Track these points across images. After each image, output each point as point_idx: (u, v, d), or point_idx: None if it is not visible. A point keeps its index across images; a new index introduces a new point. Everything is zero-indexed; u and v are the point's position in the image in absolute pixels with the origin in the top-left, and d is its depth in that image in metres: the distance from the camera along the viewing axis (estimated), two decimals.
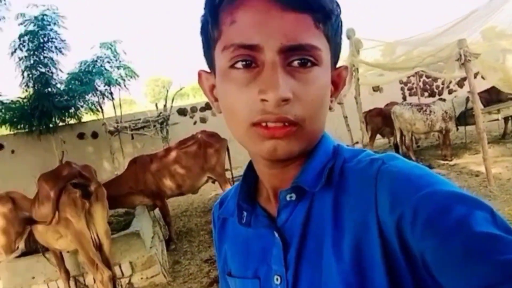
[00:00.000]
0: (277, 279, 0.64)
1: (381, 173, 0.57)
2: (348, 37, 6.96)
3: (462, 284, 0.44)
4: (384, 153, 0.62)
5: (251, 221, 0.71)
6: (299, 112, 0.57)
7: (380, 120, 8.75)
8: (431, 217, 0.48)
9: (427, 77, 12.56)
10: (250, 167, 0.73)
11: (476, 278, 0.43)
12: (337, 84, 0.68)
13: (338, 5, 0.61)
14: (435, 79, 12.93)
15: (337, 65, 0.68)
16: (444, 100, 8.38)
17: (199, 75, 0.71)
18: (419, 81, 12.00)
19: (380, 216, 0.54)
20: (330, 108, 0.66)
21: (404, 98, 12.88)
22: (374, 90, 11.60)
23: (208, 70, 0.68)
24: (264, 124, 0.57)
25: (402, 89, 13.32)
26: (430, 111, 7.56)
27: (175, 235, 6.32)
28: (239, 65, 0.58)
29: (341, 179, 0.62)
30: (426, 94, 13.20)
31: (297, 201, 0.65)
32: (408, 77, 11.55)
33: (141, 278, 4.64)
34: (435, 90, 13.51)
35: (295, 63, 0.57)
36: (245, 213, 0.71)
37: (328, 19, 0.59)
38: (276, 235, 0.65)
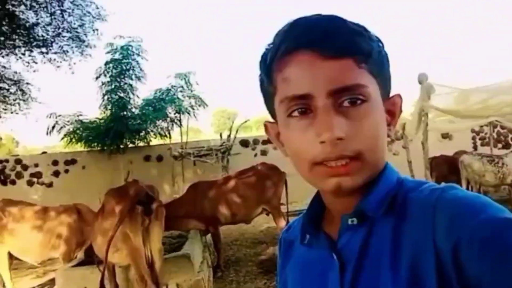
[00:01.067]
0: None
1: (439, 200, 0.59)
2: (420, 82, 6.78)
3: None
4: (445, 184, 0.64)
5: (313, 242, 0.75)
6: (356, 146, 0.62)
7: (446, 168, 8.35)
8: (487, 242, 0.51)
9: (502, 127, 11.87)
10: (317, 195, 0.78)
11: None
12: (393, 113, 0.73)
13: (379, 41, 0.68)
14: (511, 131, 12.19)
15: (391, 95, 0.73)
16: None
17: (265, 126, 0.80)
18: (493, 131, 11.37)
19: (436, 240, 0.56)
20: (389, 136, 0.71)
21: (475, 148, 12.23)
22: (443, 137, 11.16)
23: (272, 120, 0.76)
24: (326, 163, 0.63)
25: (473, 138, 12.68)
26: (502, 164, 7.11)
27: (223, 263, 6.34)
28: (296, 113, 0.65)
29: (403, 208, 0.64)
30: (499, 145, 12.44)
31: (358, 226, 0.67)
32: (481, 126, 10.99)
33: None
34: (510, 142, 12.73)
35: (346, 103, 0.63)
36: (308, 236, 0.75)
37: (369, 58, 0.64)
38: (335, 257, 0.68)
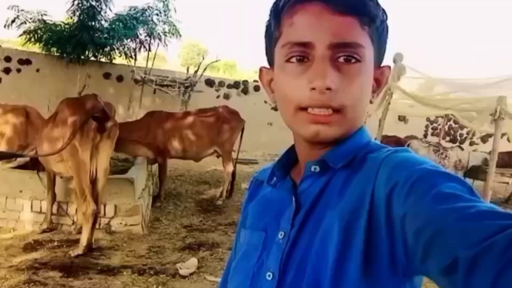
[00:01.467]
0: (281, 234, 0.72)
1: (387, 158, 0.64)
2: (394, 61, 6.87)
3: (417, 224, 0.50)
4: (401, 147, 0.69)
5: (278, 184, 0.80)
6: (341, 100, 0.67)
7: None
8: (414, 185, 0.54)
9: (455, 122, 12.42)
10: (292, 147, 0.82)
11: (428, 218, 0.50)
12: (379, 81, 0.77)
13: (384, 12, 0.71)
14: (462, 127, 12.79)
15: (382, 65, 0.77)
16: (462, 149, 8.31)
17: (260, 70, 0.82)
18: (446, 123, 11.89)
19: (375, 188, 0.61)
20: (371, 102, 0.75)
21: (425, 136, 12.78)
22: (399, 119, 11.51)
23: (268, 67, 0.79)
24: (310, 110, 0.67)
25: (426, 126, 13.24)
26: (446, 156, 7.50)
27: (164, 195, 6.40)
28: (294, 60, 0.68)
29: (360, 164, 0.68)
30: (447, 138, 13.07)
31: (320, 175, 0.72)
32: (437, 117, 11.43)
33: (120, 223, 4.74)
34: (458, 137, 13.39)
35: (341, 59, 0.67)
36: (275, 178, 0.81)
37: (372, 23, 0.68)
38: (293, 199, 0.73)
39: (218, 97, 12.25)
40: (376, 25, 0.69)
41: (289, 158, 0.82)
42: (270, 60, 0.77)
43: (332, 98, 0.66)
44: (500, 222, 0.44)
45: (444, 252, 0.45)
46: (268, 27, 0.75)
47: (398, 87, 6.71)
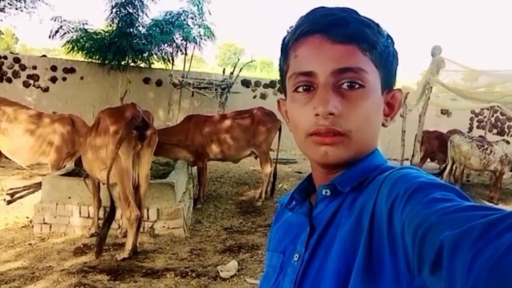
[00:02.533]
0: (296, 257, 0.76)
1: (389, 175, 0.66)
2: (432, 54, 6.68)
3: (412, 229, 0.51)
4: (406, 165, 0.72)
5: (296, 208, 0.83)
6: (345, 124, 0.70)
7: (437, 144, 8.45)
8: (411, 197, 0.56)
9: (502, 114, 11.89)
10: (311, 174, 0.86)
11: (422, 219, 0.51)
12: (392, 105, 0.79)
13: (389, 38, 0.75)
14: (510, 119, 12.22)
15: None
16: (508, 142, 7.94)
17: (278, 102, 0.88)
18: (492, 116, 11.40)
19: (376, 205, 0.63)
20: (384, 125, 0.78)
21: (471, 129, 12.31)
22: (442, 113, 11.17)
23: (284, 98, 0.83)
24: (318, 134, 0.71)
25: (471, 119, 12.72)
26: (491, 151, 7.22)
27: (204, 197, 6.54)
28: (300, 89, 0.73)
29: (367, 186, 0.70)
30: (494, 130, 12.52)
31: (332, 198, 0.75)
32: (482, 109, 11.00)
33: (163, 227, 4.88)
34: (506, 129, 12.80)
35: (345, 85, 0.70)
36: (294, 202, 0.84)
37: (373, 48, 0.71)
38: (308, 222, 0.77)
39: (254, 97, 12.32)
40: (378, 50, 0.72)
41: (310, 182, 0.85)
42: (285, 92, 0.81)
43: (336, 123, 0.69)
44: (485, 212, 0.46)
45: (433, 244, 0.47)
46: (280, 62, 0.81)
47: (438, 81, 6.52)
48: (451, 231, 0.45)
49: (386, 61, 0.74)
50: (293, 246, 0.78)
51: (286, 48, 0.77)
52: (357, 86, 0.70)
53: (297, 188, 0.85)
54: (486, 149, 7.25)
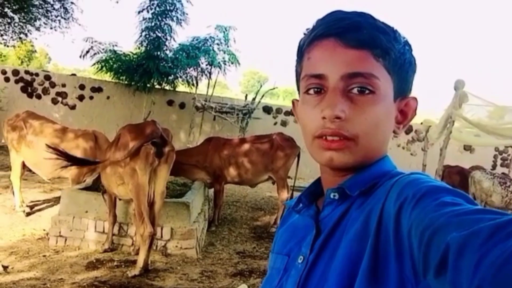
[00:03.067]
0: (300, 259, 0.75)
1: (398, 180, 0.65)
2: (455, 88, 6.64)
3: (419, 230, 0.51)
4: (414, 171, 0.70)
5: (303, 211, 0.83)
6: (352, 129, 0.69)
7: (458, 180, 8.25)
8: (420, 200, 0.56)
9: None
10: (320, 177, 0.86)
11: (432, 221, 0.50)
12: (405, 113, 0.78)
13: (406, 44, 0.74)
14: None
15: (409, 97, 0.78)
16: None
17: (293, 103, 0.88)
18: None
19: (384, 207, 0.63)
20: (395, 133, 0.78)
21: (494, 167, 12.00)
22: (465, 149, 10.97)
23: (298, 99, 0.84)
24: (324, 137, 0.70)
25: (495, 156, 12.42)
26: None
27: (219, 219, 6.52)
28: (311, 91, 0.74)
29: (376, 190, 0.70)
30: None
31: (340, 202, 0.75)
32: (506, 146, 10.76)
33: (176, 246, 4.87)
34: None
35: (355, 90, 0.70)
36: (301, 205, 0.84)
37: (387, 54, 0.70)
38: (314, 225, 0.76)
39: (275, 123, 12.39)
40: (392, 57, 0.71)
41: (318, 187, 0.85)
42: (299, 94, 0.82)
43: (343, 127, 0.69)
44: (493, 216, 0.45)
45: (439, 245, 0.46)
46: (295, 64, 0.81)
47: (460, 115, 6.45)
48: (458, 232, 0.44)
49: (401, 68, 0.73)
50: (298, 248, 0.78)
51: (301, 50, 0.78)
52: (367, 91, 0.70)
53: (305, 192, 0.85)
54: (509, 186, 7.04)
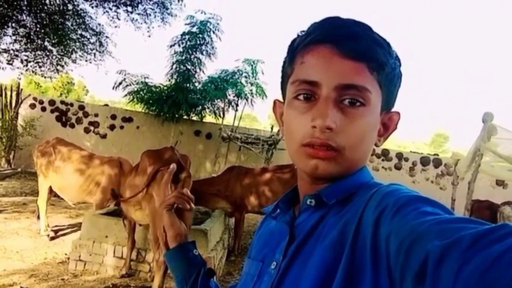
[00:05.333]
0: (273, 265, 0.74)
1: (379, 190, 0.64)
2: (483, 121, 6.50)
3: (399, 238, 0.50)
4: (393, 182, 0.69)
5: (279, 217, 0.83)
6: (340, 141, 0.69)
7: (488, 215, 7.91)
8: (400, 208, 0.55)
9: None
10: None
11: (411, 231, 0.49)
12: (387, 126, 0.79)
13: (397, 59, 0.74)
14: None
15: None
16: None
17: (274, 103, 0.87)
18: None
19: (364, 214, 0.62)
20: (376, 145, 0.77)
21: None
22: (497, 184, 10.55)
23: (282, 100, 0.83)
24: (312, 145, 0.69)
25: None
26: None
27: (239, 249, 6.44)
28: (301, 97, 0.72)
29: (354, 199, 0.69)
30: None
31: (316, 209, 0.74)
32: None
33: None
34: None
35: (346, 101, 0.69)
36: (278, 210, 0.84)
37: (381, 69, 0.70)
38: (288, 231, 0.76)
39: None
40: (385, 71, 0.71)
41: (296, 193, 0.84)
42: (283, 95, 0.81)
43: (332, 138, 0.68)
44: (474, 225, 0.45)
45: (419, 254, 0.45)
46: (284, 63, 0.79)
47: (489, 148, 6.26)
48: (439, 241, 0.44)
49: (391, 82, 0.73)
50: (272, 254, 0.77)
51: (294, 52, 0.75)
52: (358, 104, 0.69)
53: (283, 198, 0.85)
54: None
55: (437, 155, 13.26)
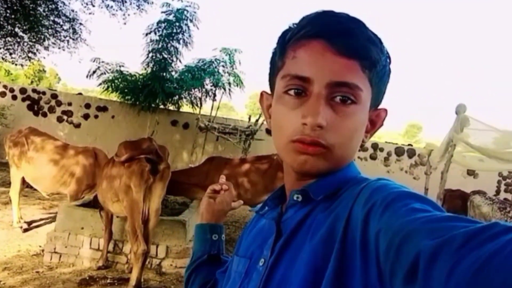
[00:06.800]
0: (261, 262, 0.74)
1: (367, 185, 0.65)
2: (457, 112, 6.65)
3: (389, 235, 0.50)
4: (382, 177, 0.69)
5: (267, 213, 0.83)
6: (330, 139, 0.69)
7: (459, 204, 8.14)
8: (389, 204, 0.55)
9: None
10: None
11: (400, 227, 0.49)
12: (374, 123, 0.79)
13: (388, 57, 0.73)
14: None
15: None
16: None
17: (261, 94, 0.85)
18: None
19: (352, 212, 0.62)
20: (363, 141, 0.77)
21: (498, 192, 11.84)
22: (468, 174, 10.85)
23: (269, 92, 0.82)
24: (301, 142, 0.69)
25: (499, 182, 12.27)
26: None
27: None
28: (292, 92, 0.71)
29: (342, 195, 0.69)
30: None
31: (303, 204, 0.74)
32: (510, 172, 10.64)
33: (171, 265, 4.81)
34: None
35: (337, 99, 0.69)
36: (266, 208, 0.85)
37: (373, 67, 0.70)
38: (275, 227, 0.76)
39: None
40: (377, 69, 0.70)
41: (285, 191, 0.83)
42: (271, 87, 0.79)
43: (322, 136, 0.68)
44: (465, 224, 0.45)
45: (409, 252, 0.45)
46: (273, 54, 0.77)
47: (461, 139, 6.42)
48: (431, 240, 0.43)
49: (381, 80, 0.73)
50: (260, 251, 0.77)
51: (285, 45, 0.73)
52: (349, 101, 0.69)
53: (271, 196, 0.85)
54: (509, 212, 6.93)
55: (411, 145, 13.53)
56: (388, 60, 0.73)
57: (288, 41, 0.73)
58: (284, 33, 0.75)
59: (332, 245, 0.61)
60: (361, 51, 0.68)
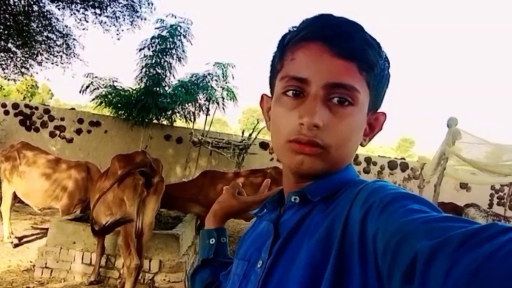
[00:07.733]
0: (259, 264, 0.75)
1: (364, 187, 0.66)
2: (448, 126, 6.72)
3: (387, 235, 0.51)
4: (379, 179, 0.70)
5: (266, 216, 0.84)
6: (327, 139, 0.69)
7: None
8: (387, 205, 0.55)
9: None
10: None
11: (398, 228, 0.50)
12: (373, 126, 0.80)
13: (386, 60, 0.75)
14: None
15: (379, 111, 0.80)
16: None
17: (262, 97, 0.87)
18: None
19: (350, 214, 0.62)
20: (362, 145, 0.78)
21: (491, 206, 11.87)
22: (461, 187, 10.89)
23: (270, 95, 0.83)
24: (298, 142, 0.70)
25: (491, 195, 12.29)
26: None
27: None
28: (290, 93, 0.72)
29: (340, 197, 0.70)
30: None
31: (301, 206, 0.75)
32: (502, 185, 10.70)
33: (164, 280, 4.75)
34: None
35: (335, 100, 0.70)
36: (265, 210, 0.85)
37: (371, 69, 0.71)
38: (273, 229, 0.76)
39: (271, 159, 12.35)
40: (375, 72, 0.71)
41: (283, 194, 0.84)
42: (271, 90, 0.81)
43: (319, 136, 0.69)
44: (463, 224, 0.45)
45: (407, 253, 0.45)
46: (273, 58, 0.79)
47: (453, 152, 6.47)
48: (428, 240, 0.44)
49: (379, 83, 0.74)
50: (258, 253, 0.78)
51: (284, 47, 0.75)
52: (346, 103, 0.70)
53: (270, 199, 0.85)
54: None
55: (404, 159, 13.59)
56: (386, 64, 0.75)
57: (287, 43, 0.74)
58: (284, 36, 0.77)
59: (330, 246, 0.61)
60: (358, 53, 0.69)
